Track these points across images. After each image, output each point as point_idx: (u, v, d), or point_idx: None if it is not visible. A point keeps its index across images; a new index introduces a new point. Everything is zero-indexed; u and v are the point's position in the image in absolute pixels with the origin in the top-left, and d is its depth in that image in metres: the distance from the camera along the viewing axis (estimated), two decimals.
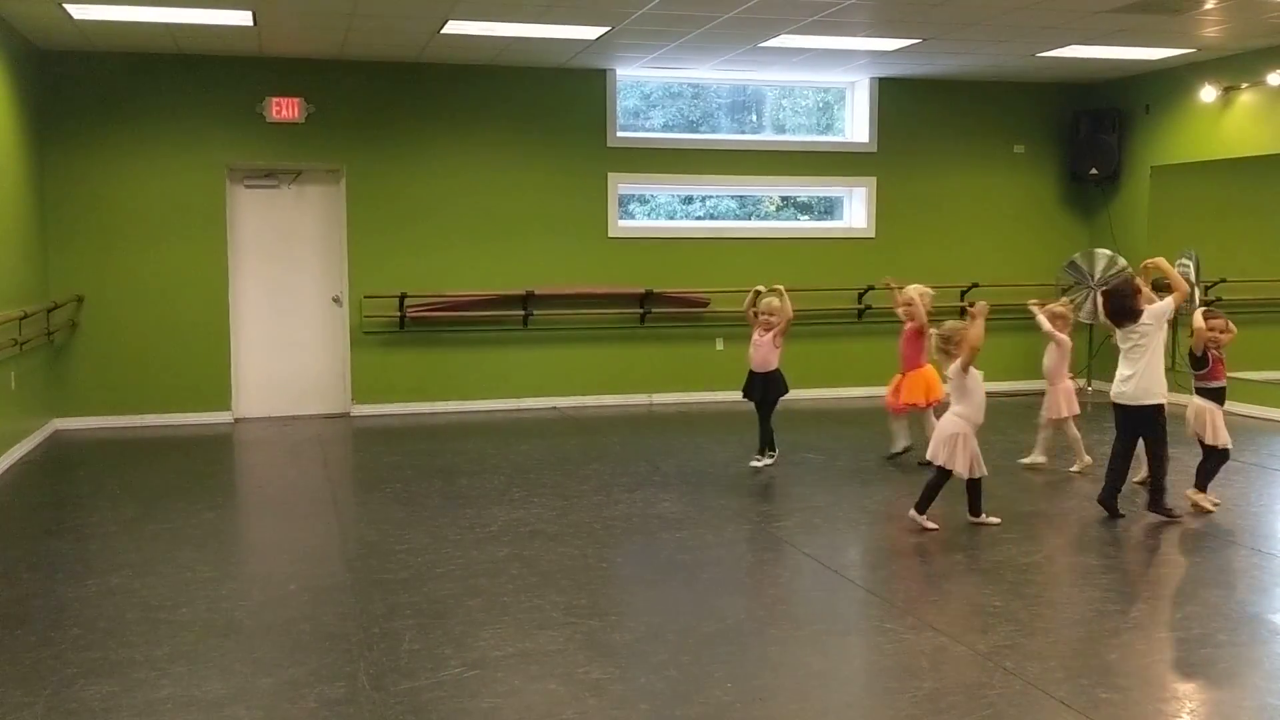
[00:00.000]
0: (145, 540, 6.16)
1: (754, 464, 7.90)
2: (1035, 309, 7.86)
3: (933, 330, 6.70)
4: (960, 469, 6.15)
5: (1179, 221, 11.14)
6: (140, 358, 9.94)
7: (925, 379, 7.88)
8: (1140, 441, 6.48)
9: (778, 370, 7.86)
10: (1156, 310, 6.29)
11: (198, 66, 9.87)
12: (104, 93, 9.73)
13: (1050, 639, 4.62)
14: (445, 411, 10.59)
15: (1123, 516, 6.42)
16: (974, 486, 6.29)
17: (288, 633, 4.71)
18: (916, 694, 4.02)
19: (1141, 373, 6.26)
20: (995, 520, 6.31)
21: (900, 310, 8.09)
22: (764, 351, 7.80)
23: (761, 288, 7.99)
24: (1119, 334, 6.39)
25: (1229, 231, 11.19)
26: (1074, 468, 7.77)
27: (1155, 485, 6.44)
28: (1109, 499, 6.48)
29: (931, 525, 6.20)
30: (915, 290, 7.98)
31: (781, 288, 7.93)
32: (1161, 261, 6.46)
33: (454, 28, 8.74)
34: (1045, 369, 7.86)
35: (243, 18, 8.33)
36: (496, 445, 8.94)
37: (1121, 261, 11.09)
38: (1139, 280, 6.60)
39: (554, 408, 10.84)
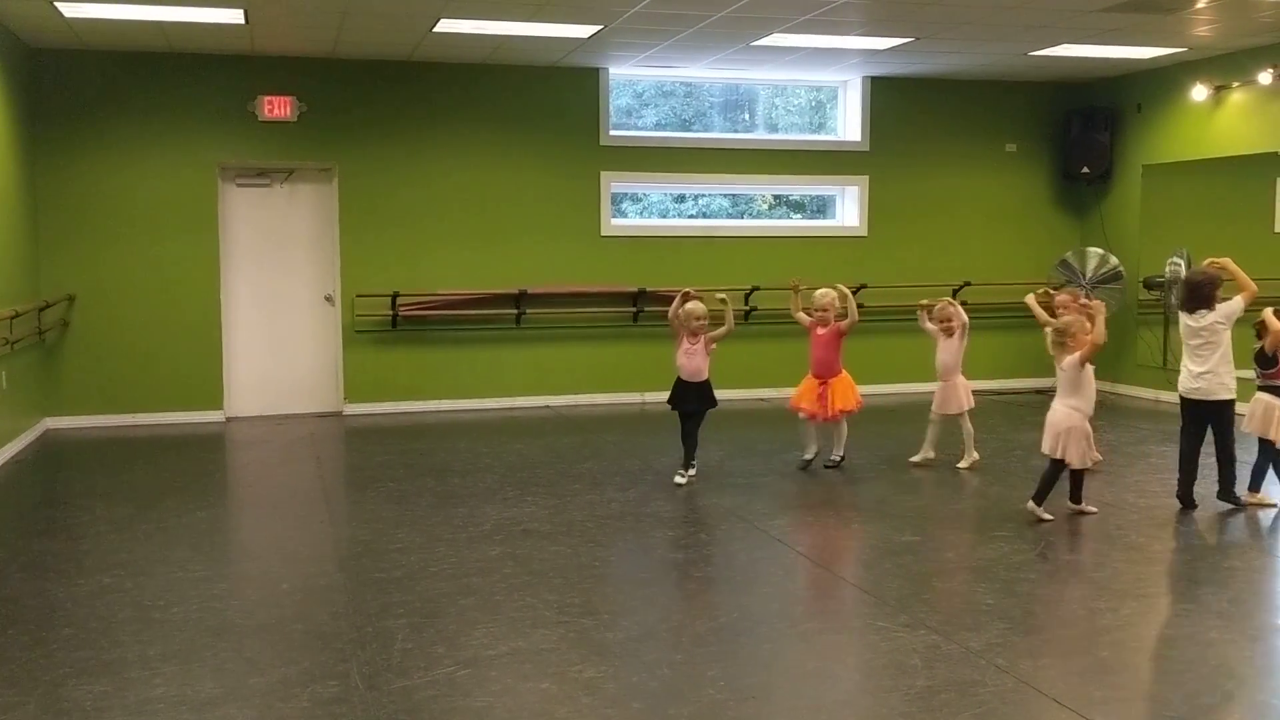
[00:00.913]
0: (137, 539, 6.15)
1: (679, 480, 7.38)
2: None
3: (1048, 326, 6.77)
4: (1074, 459, 6.31)
5: (1170, 220, 11.17)
6: (132, 357, 9.92)
7: (849, 385, 7.87)
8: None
9: (708, 380, 7.50)
10: (1228, 309, 6.45)
11: (189, 65, 9.85)
12: (95, 91, 9.71)
13: (1042, 636, 4.63)
14: (438, 410, 10.58)
15: (1196, 507, 6.63)
16: (1079, 476, 6.49)
17: (280, 632, 4.70)
18: (909, 692, 4.03)
19: (1214, 369, 6.48)
20: (1093, 509, 6.53)
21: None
22: (697, 360, 7.44)
23: (691, 290, 7.67)
24: (1187, 330, 6.55)
25: (1220, 230, 11.21)
26: (962, 464, 7.79)
27: (1226, 475, 6.66)
28: (1186, 494, 6.67)
29: (1048, 516, 6.37)
30: (832, 291, 7.92)
31: (726, 297, 7.66)
32: (1228, 262, 6.60)
33: (446, 26, 8.74)
34: (944, 365, 7.83)
35: (234, 16, 8.32)
36: (489, 444, 8.93)
37: (1113, 260, 11.12)
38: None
39: (547, 406, 10.84)
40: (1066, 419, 6.29)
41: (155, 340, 9.96)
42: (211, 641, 4.57)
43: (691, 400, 7.45)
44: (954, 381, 7.82)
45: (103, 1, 7.91)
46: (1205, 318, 6.45)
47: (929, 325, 7.99)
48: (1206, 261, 6.72)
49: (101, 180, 9.78)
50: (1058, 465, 6.35)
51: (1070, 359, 6.29)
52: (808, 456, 7.93)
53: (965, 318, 7.83)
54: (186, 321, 10.03)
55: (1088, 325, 6.32)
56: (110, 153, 9.78)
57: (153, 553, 5.88)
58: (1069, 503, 6.52)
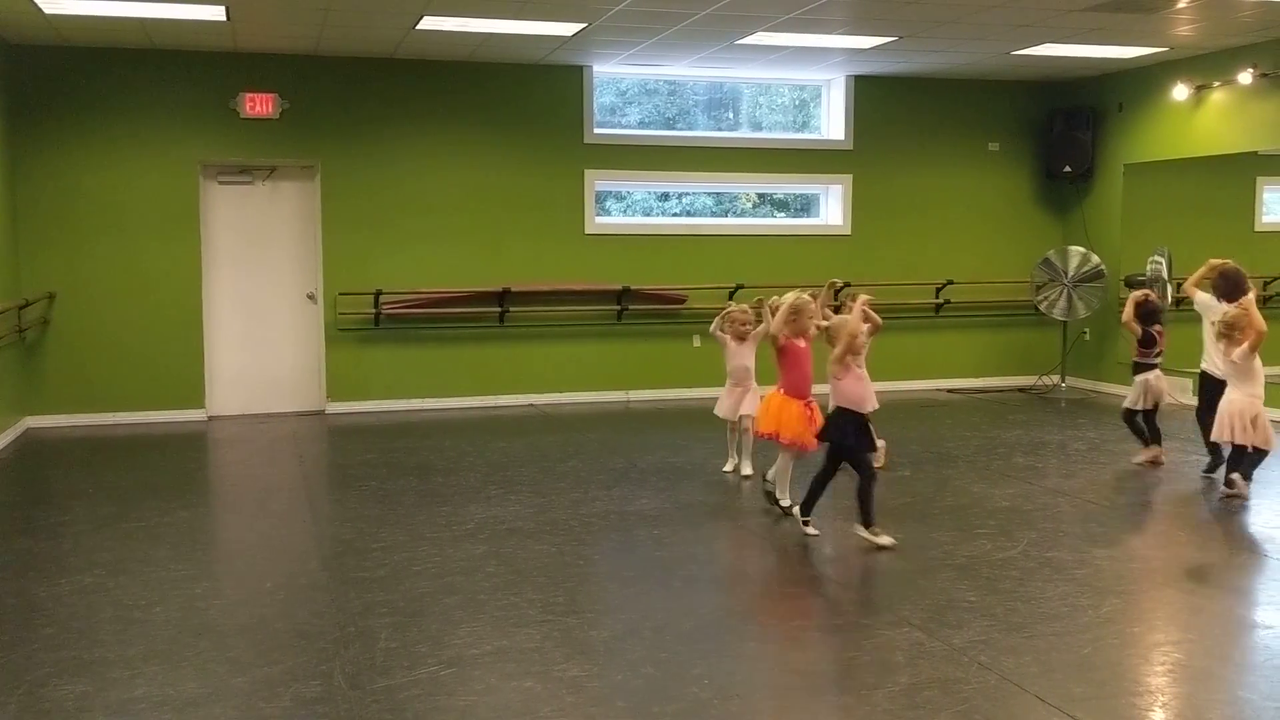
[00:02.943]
0: (119, 539, 6.11)
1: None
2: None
3: (1214, 320, 6.98)
4: (1263, 441, 6.64)
5: (1152, 219, 11.23)
6: (113, 355, 9.86)
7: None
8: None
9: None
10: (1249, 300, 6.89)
11: (171, 61, 9.80)
12: (76, 88, 9.65)
13: (1025, 634, 4.64)
14: (421, 409, 10.56)
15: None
16: (1260, 457, 6.77)
17: (263, 631, 4.68)
18: (893, 689, 4.04)
19: None
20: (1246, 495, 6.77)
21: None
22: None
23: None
24: (1213, 325, 6.99)
25: (1201, 229, 11.29)
26: (727, 467, 7.67)
27: (1243, 457, 6.92)
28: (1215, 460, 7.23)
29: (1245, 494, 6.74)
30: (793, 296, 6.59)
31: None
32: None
33: (429, 23, 8.71)
34: (744, 369, 7.45)
35: (216, 12, 8.28)
36: (473, 443, 8.92)
37: (1095, 259, 11.17)
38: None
39: (531, 405, 10.82)
40: (1251, 406, 6.63)
41: (137, 338, 9.91)
42: (193, 641, 4.55)
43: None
44: (746, 386, 7.47)
45: None
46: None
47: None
48: (1219, 261, 7.25)
49: (82, 177, 9.72)
50: (1239, 449, 6.72)
51: (1239, 350, 6.59)
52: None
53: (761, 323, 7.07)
54: (168, 319, 9.98)
55: (1254, 317, 6.62)
56: (91, 150, 9.72)
57: (134, 552, 5.85)
58: (1224, 487, 6.84)
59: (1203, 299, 7.36)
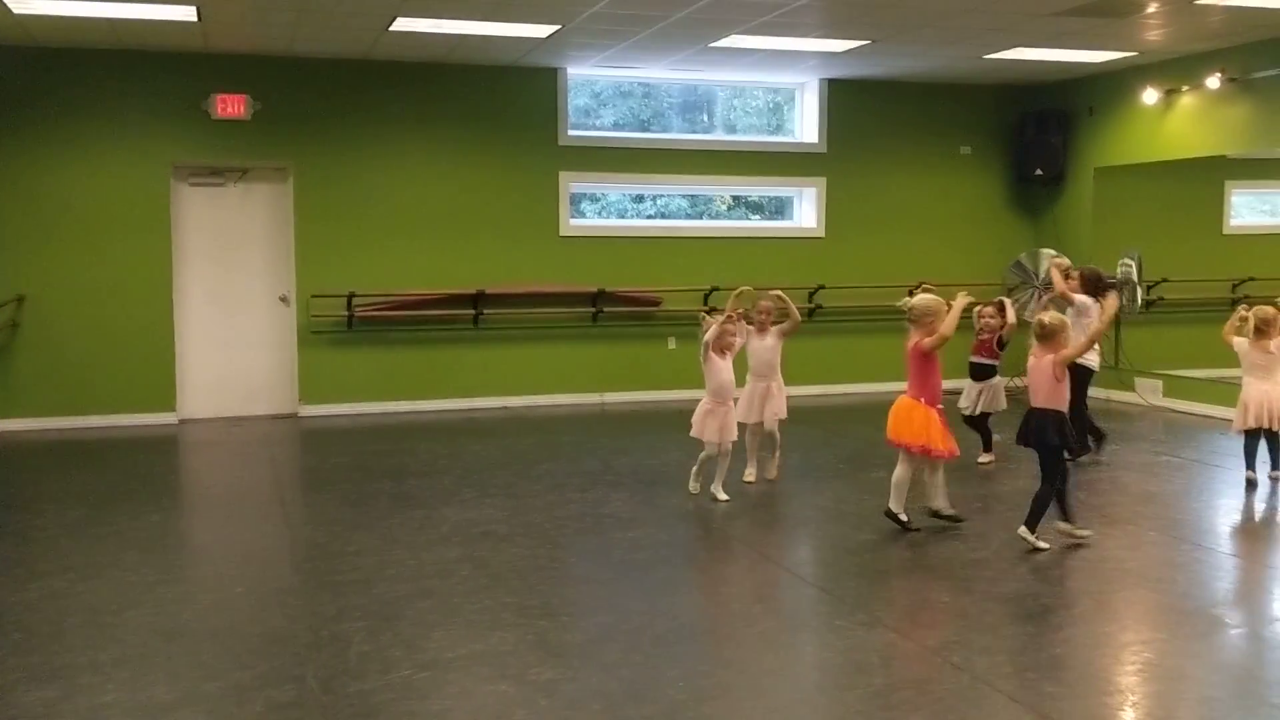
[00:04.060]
0: (89, 543, 6.06)
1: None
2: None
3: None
4: None
5: (1122, 222, 11.33)
6: (83, 358, 9.77)
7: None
8: None
9: None
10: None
11: (141, 62, 9.72)
12: (45, 88, 9.56)
13: (997, 634, 4.67)
14: (395, 412, 10.52)
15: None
16: None
17: (235, 636, 4.65)
18: (867, 690, 4.06)
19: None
20: None
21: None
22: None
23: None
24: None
25: (1171, 232, 11.40)
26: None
27: None
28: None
29: None
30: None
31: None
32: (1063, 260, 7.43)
33: (403, 24, 8.68)
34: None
35: (186, 13, 8.22)
36: (447, 445, 8.89)
37: (1065, 261, 11.24)
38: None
39: (505, 407, 10.80)
40: None
41: (107, 341, 9.82)
42: (164, 646, 4.52)
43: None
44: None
45: None
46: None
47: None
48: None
49: (52, 179, 9.62)
50: (1273, 435, 7.10)
51: (1277, 341, 6.98)
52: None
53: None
54: (139, 322, 9.90)
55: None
56: (62, 151, 9.63)
57: (104, 556, 5.80)
58: (1271, 471, 7.19)
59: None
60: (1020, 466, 7.56)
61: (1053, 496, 5.83)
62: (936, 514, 6.25)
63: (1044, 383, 5.79)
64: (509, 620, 4.79)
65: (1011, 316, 7.70)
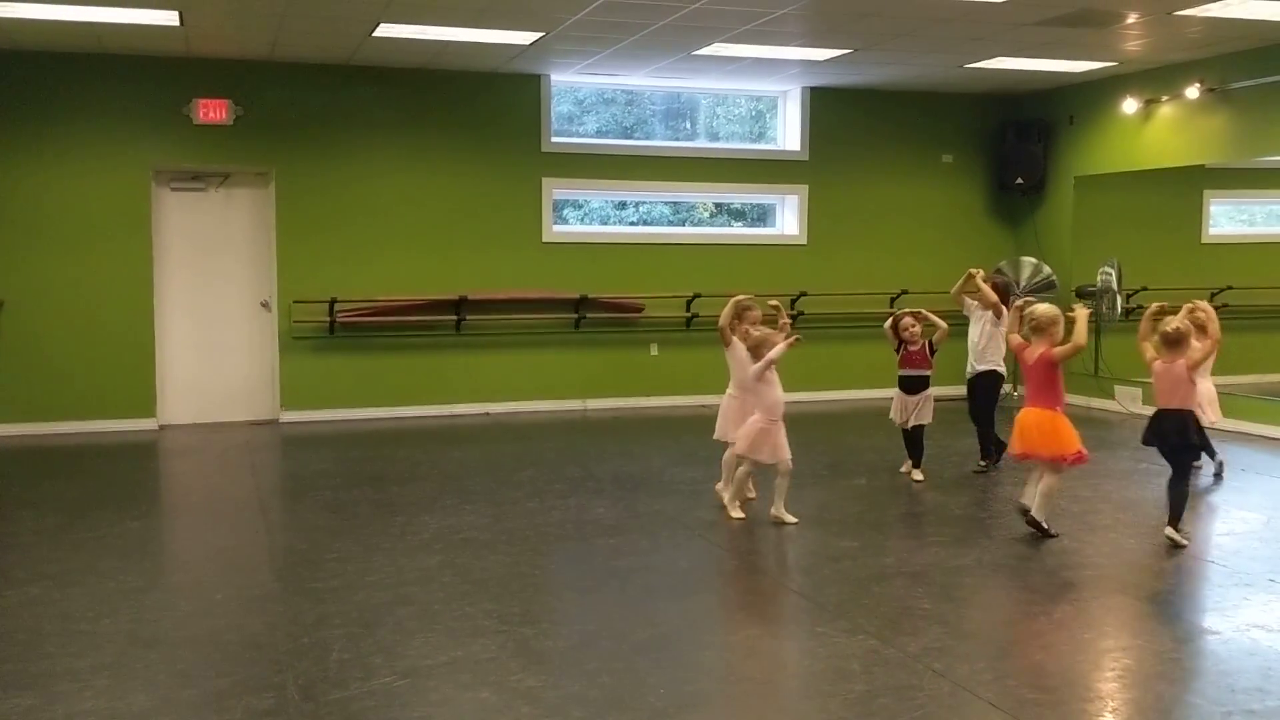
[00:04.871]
0: (66, 550, 6.01)
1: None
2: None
3: None
4: None
5: (1102, 230, 11.40)
6: (62, 363, 9.71)
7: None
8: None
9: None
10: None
11: (122, 66, 9.68)
12: (25, 92, 9.51)
13: (978, 641, 4.68)
14: (376, 418, 10.48)
15: None
16: None
17: (214, 643, 4.62)
18: (848, 697, 4.06)
19: None
20: None
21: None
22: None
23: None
24: None
25: (1150, 241, 11.48)
26: (791, 519, 6.61)
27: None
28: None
29: None
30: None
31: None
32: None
33: (386, 30, 8.67)
34: (781, 400, 6.61)
35: (168, 18, 8.19)
36: (428, 452, 8.87)
37: (1046, 269, 11.31)
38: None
39: (487, 414, 10.78)
40: None
41: (86, 347, 9.76)
42: (143, 653, 4.49)
43: None
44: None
45: (32, 1, 7.74)
46: None
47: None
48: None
49: (32, 183, 9.57)
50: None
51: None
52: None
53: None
54: (118, 328, 9.85)
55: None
56: (41, 155, 9.58)
57: (82, 563, 5.76)
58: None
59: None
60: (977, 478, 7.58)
61: (1188, 493, 6.11)
62: (1026, 513, 6.27)
63: (1178, 385, 6.02)
64: (490, 627, 4.77)
65: (939, 322, 7.47)
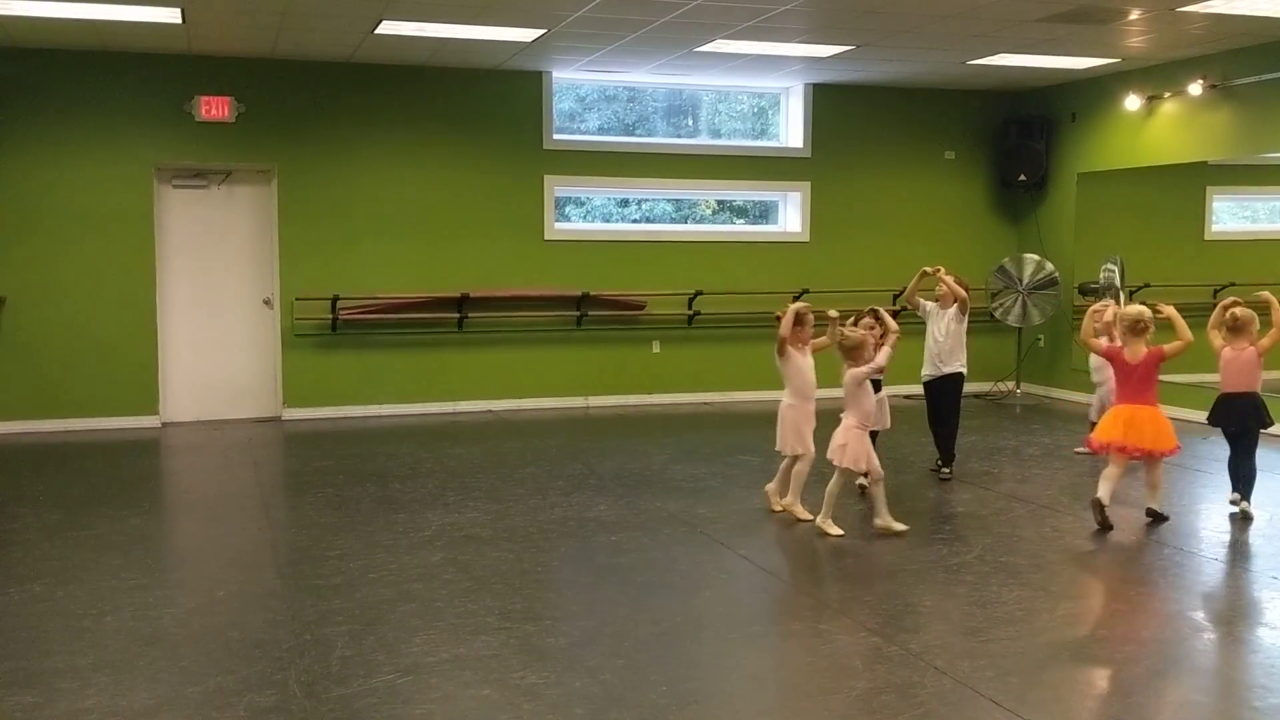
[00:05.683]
0: (68, 547, 6.02)
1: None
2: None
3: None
4: None
5: (1104, 227, 11.39)
6: (65, 360, 9.72)
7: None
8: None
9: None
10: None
11: (125, 64, 9.68)
12: (27, 90, 9.51)
13: (980, 638, 4.68)
14: (379, 415, 10.49)
15: None
16: None
17: (217, 640, 4.63)
18: (850, 694, 4.06)
19: None
20: None
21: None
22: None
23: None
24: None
25: (1152, 238, 11.47)
26: (834, 530, 6.30)
27: None
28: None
29: None
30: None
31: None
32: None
33: (388, 28, 8.67)
34: (874, 408, 6.56)
35: (170, 15, 8.19)
36: (431, 449, 8.87)
37: (1049, 266, 11.31)
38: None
39: (489, 411, 10.78)
40: None
41: (89, 344, 9.77)
42: (145, 650, 4.49)
43: None
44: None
45: None
46: None
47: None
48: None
49: (34, 180, 9.57)
50: None
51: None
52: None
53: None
54: (121, 325, 9.85)
55: None
56: (44, 153, 9.58)
57: (84, 560, 5.77)
58: None
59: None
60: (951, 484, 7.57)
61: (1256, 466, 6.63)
62: (1153, 513, 6.62)
63: (1248, 370, 6.55)
64: (492, 624, 4.78)
65: (892, 324, 6.74)
